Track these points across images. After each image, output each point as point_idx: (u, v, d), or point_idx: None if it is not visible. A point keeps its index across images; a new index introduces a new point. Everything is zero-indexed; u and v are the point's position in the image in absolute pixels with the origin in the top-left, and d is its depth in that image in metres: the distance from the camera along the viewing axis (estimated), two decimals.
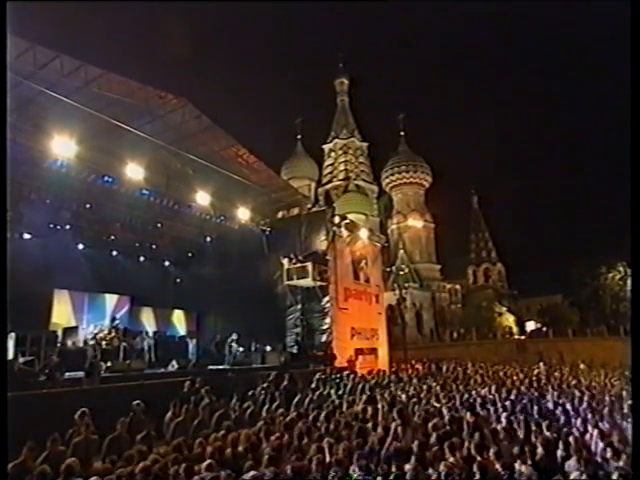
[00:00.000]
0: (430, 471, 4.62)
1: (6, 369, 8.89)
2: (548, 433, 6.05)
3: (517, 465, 4.86)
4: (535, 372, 19.13)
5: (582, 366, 23.05)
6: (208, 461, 4.95)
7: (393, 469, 4.84)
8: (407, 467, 4.70)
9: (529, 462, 4.94)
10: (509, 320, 57.14)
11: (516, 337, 51.42)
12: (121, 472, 4.70)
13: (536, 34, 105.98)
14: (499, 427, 6.37)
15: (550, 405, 9.07)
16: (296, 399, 10.09)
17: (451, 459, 4.87)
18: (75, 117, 12.95)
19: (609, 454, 5.21)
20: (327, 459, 5.03)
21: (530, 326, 56.57)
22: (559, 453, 5.31)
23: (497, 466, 4.68)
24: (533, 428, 6.27)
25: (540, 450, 5.28)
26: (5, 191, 7.35)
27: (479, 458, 4.89)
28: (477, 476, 4.42)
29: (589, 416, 7.67)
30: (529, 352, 40.43)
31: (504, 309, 58.60)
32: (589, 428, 6.51)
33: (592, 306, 49.09)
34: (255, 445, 5.88)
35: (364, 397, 10.15)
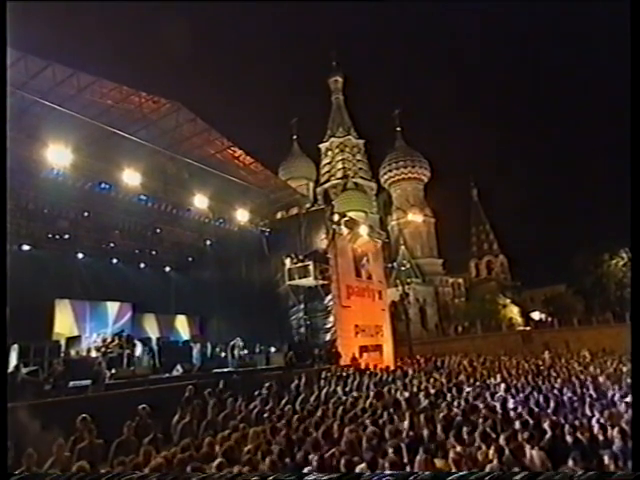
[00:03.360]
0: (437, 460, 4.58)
1: (6, 374, 8.89)
2: (555, 418, 6.01)
3: (527, 450, 4.82)
4: (541, 362, 19.10)
5: (587, 354, 22.99)
6: (219, 460, 4.92)
7: (404, 460, 4.82)
8: (418, 458, 4.67)
9: (537, 447, 4.89)
10: (513, 312, 57.00)
11: (521, 328, 51.30)
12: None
13: (536, 26, 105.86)
14: (507, 414, 6.33)
15: (556, 392, 9.03)
16: (301, 397, 10.06)
17: (458, 448, 4.83)
18: (69, 125, 12.96)
19: (616, 438, 5.17)
20: (333, 453, 4.99)
21: (535, 317, 56.45)
22: (567, 438, 5.27)
23: (507, 452, 4.65)
24: (540, 414, 6.24)
25: (548, 435, 5.25)
26: (5, 198, 7.33)
27: (484, 447, 4.85)
28: (486, 463, 4.40)
29: (595, 401, 7.63)
30: (535, 343, 40.33)
31: (508, 301, 58.46)
32: (596, 413, 6.48)
33: (597, 294, 48.91)
34: (261, 443, 5.85)
35: (370, 392, 10.12)
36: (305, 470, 4.27)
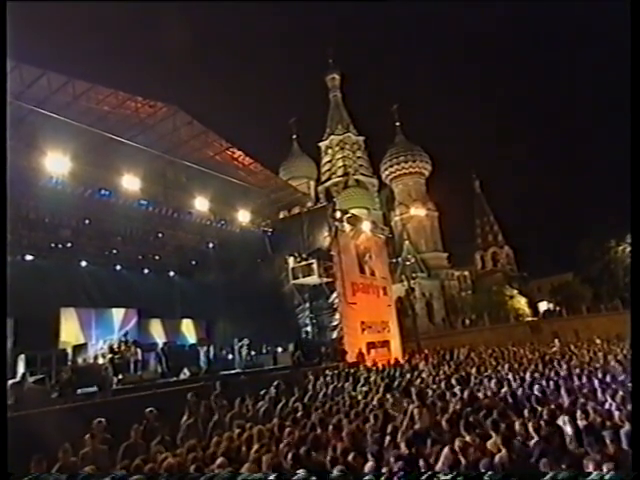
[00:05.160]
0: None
1: (5, 376, 8.88)
2: (565, 405, 5.92)
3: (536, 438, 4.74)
4: (551, 350, 18.97)
5: (598, 341, 22.79)
6: (220, 459, 4.89)
7: (413, 451, 4.76)
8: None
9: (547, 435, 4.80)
10: (521, 302, 56.69)
11: (529, 319, 51.03)
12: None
13: (535, 16, 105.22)
14: (515, 403, 6.24)
15: (565, 379, 8.92)
16: (309, 395, 10.01)
17: (467, 438, 4.76)
18: (67, 133, 12.97)
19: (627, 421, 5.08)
20: (340, 447, 4.93)
21: (543, 307, 56.17)
22: (579, 423, 5.18)
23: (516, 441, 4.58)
24: (550, 402, 6.15)
25: (559, 422, 5.16)
26: (5, 208, 7.32)
27: (493, 436, 4.78)
28: (495, 453, 4.33)
29: (606, 387, 7.53)
30: (544, 333, 40.07)
31: (515, 292, 58.14)
32: (607, 398, 6.38)
33: (604, 281, 48.54)
34: (268, 441, 5.80)
35: (378, 387, 10.04)
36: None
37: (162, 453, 5.46)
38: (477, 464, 4.29)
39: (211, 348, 16.54)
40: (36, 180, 13.29)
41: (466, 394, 7.47)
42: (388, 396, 8.12)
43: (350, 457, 4.78)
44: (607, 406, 6.03)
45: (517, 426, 5.09)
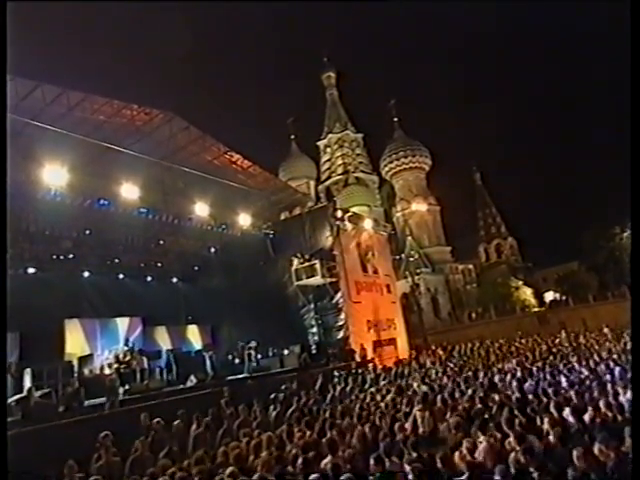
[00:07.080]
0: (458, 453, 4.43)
1: (5, 378, 8.85)
2: (575, 400, 5.83)
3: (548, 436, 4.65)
4: (557, 341, 18.84)
5: (606, 330, 22.58)
6: (230, 468, 4.83)
7: (424, 454, 4.69)
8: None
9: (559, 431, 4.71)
10: (527, 293, 56.50)
11: (536, 309, 50.83)
12: None
13: (536, 16, 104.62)
14: (524, 400, 6.16)
15: (574, 372, 8.82)
16: (317, 397, 9.95)
17: (475, 439, 4.67)
18: (64, 144, 12.91)
19: None
20: (348, 454, 4.86)
21: (549, 297, 55.95)
22: (587, 418, 5.09)
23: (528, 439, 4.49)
24: (558, 397, 6.06)
25: (570, 418, 5.07)
26: (5, 220, 7.27)
27: (504, 436, 4.69)
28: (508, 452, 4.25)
29: (616, 379, 7.43)
30: (551, 323, 39.89)
31: (520, 283, 57.95)
32: (619, 390, 6.28)
33: (610, 268, 48.28)
34: (279, 447, 5.73)
35: (386, 388, 9.98)
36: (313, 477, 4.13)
37: (169, 467, 5.38)
38: (491, 464, 4.22)
39: (217, 353, 16.49)
40: (35, 193, 13.26)
41: (474, 392, 7.39)
42: (397, 399, 8.03)
43: (359, 461, 4.73)
44: (618, 399, 5.93)
45: (529, 424, 5.00)
